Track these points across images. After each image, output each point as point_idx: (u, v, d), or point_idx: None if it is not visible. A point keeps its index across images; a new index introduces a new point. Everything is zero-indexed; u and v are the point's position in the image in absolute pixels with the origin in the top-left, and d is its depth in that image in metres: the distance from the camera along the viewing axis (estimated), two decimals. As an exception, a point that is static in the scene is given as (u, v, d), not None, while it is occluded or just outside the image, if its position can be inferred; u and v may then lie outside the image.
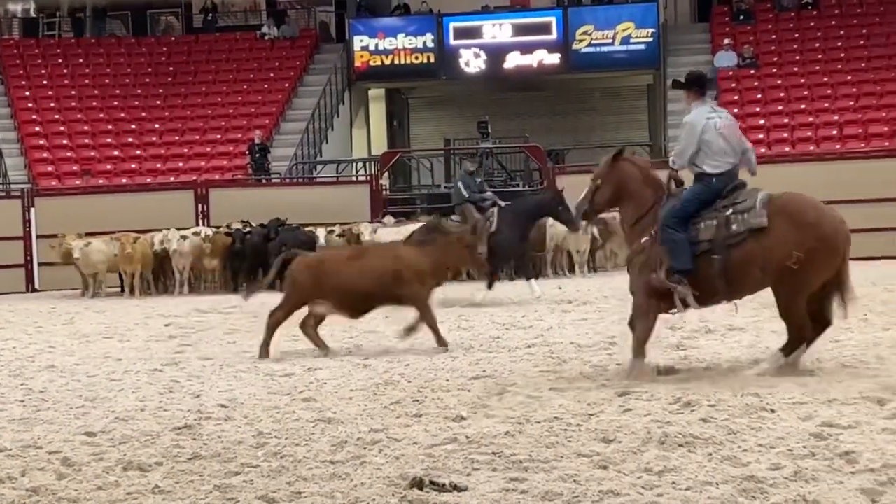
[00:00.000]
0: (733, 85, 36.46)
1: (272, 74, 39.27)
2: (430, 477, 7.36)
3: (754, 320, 15.51)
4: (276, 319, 14.15)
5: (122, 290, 26.32)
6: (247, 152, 34.54)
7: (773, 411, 9.03)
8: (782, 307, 11.03)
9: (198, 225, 28.25)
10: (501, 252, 20.96)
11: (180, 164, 35.56)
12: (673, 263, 11.14)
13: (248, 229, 26.53)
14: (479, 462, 7.80)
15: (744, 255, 10.95)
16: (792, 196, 11.13)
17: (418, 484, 7.22)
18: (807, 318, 10.90)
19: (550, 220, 26.55)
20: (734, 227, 11.00)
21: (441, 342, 13.90)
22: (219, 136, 36.70)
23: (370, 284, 14.07)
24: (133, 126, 37.27)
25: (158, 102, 38.32)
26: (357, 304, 14.28)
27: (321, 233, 25.96)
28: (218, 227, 27.05)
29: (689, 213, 11.18)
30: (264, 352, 13.90)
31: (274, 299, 14.63)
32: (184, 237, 26.08)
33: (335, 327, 15.12)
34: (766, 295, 18.10)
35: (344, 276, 14.15)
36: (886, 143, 31.34)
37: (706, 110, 11.50)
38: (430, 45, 38.86)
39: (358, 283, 14.09)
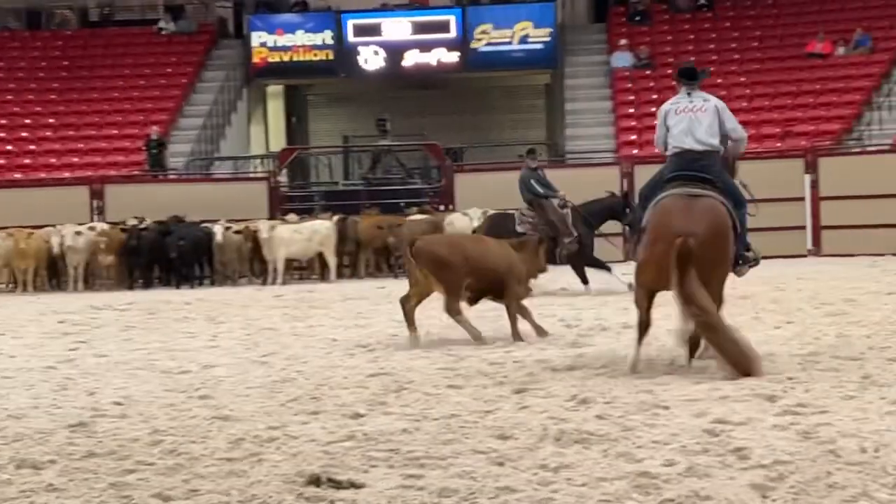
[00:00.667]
0: (629, 85, 36.82)
1: (169, 70, 38.97)
2: (328, 474, 7.35)
3: (649, 318, 15.68)
4: (456, 310, 13.86)
5: (15, 287, 25.96)
6: (143, 148, 34.24)
7: (666, 408, 9.14)
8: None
9: (93, 221, 27.94)
10: (581, 252, 21.04)
11: (76, 160, 35.17)
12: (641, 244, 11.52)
13: (143, 225, 26.32)
14: (377, 459, 7.81)
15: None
16: (662, 204, 11.33)
17: (316, 481, 7.22)
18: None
19: (449, 219, 26.71)
20: (646, 218, 11.42)
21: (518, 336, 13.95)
22: (115, 132, 36.35)
23: (500, 272, 14.04)
24: (27, 121, 36.81)
25: (54, 97, 37.88)
26: (484, 290, 14.19)
27: (219, 229, 25.82)
28: (115, 223, 26.79)
29: (652, 194, 11.50)
30: (477, 336, 13.69)
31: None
32: (78, 233, 25.79)
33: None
34: (661, 296, 18.38)
35: (483, 260, 14.03)
36: (779, 144, 31.84)
37: (677, 97, 11.73)
38: (329, 42, 38.80)
39: (492, 268, 14.04)
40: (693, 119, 11.49)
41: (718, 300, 11.12)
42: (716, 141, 11.52)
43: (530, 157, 21.81)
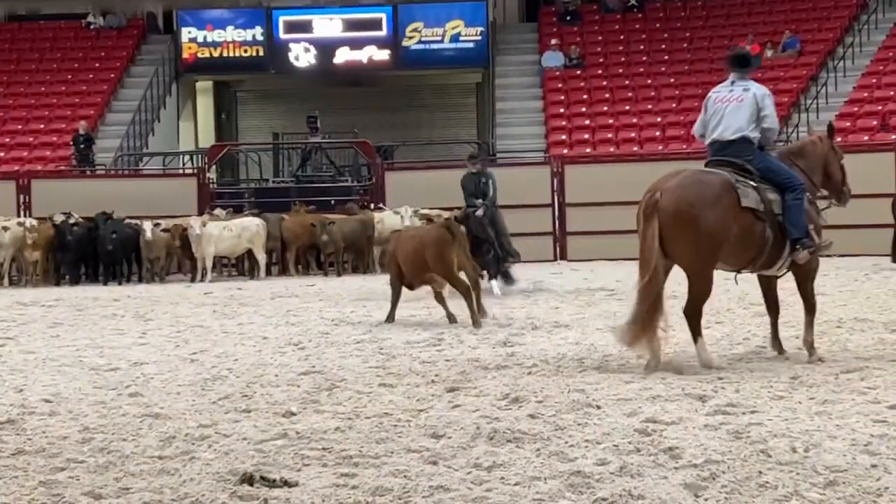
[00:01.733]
0: (560, 85, 36.96)
1: (98, 64, 38.67)
2: (261, 472, 7.32)
3: (579, 317, 15.78)
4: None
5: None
6: (71, 143, 33.95)
7: (598, 407, 9.18)
8: None
9: (19, 216, 27.66)
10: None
11: (1, 155, 34.83)
12: None
13: (73, 221, 26.08)
14: (310, 458, 7.79)
15: None
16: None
17: (248, 479, 7.19)
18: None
19: (378, 216, 26.70)
20: None
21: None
22: (42, 126, 36.03)
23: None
24: (-48, 114, 36.41)
25: (-21, 90, 37.48)
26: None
27: (147, 226, 25.63)
28: (42, 219, 26.52)
29: None
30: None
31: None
32: (5, 228, 25.52)
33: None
34: (589, 294, 18.43)
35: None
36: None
37: (720, 86, 11.87)
38: (260, 38, 38.69)
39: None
40: (727, 109, 11.59)
41: (698, 279, 11.21)
42: (749, 129, 11.59)
43: (470, 160, 21.72)
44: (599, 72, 37.42)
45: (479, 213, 20.28)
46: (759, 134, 11.66)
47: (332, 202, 29.36)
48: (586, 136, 34.89)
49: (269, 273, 26.70)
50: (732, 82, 11.82)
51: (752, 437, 7.98)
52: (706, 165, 11.71)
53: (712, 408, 9.06)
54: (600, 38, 39.02)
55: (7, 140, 35.50)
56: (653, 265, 10.96)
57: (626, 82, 36.55)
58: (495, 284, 19.99)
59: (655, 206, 11.00)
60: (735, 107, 11.60)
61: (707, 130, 11.78)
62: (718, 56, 36.57)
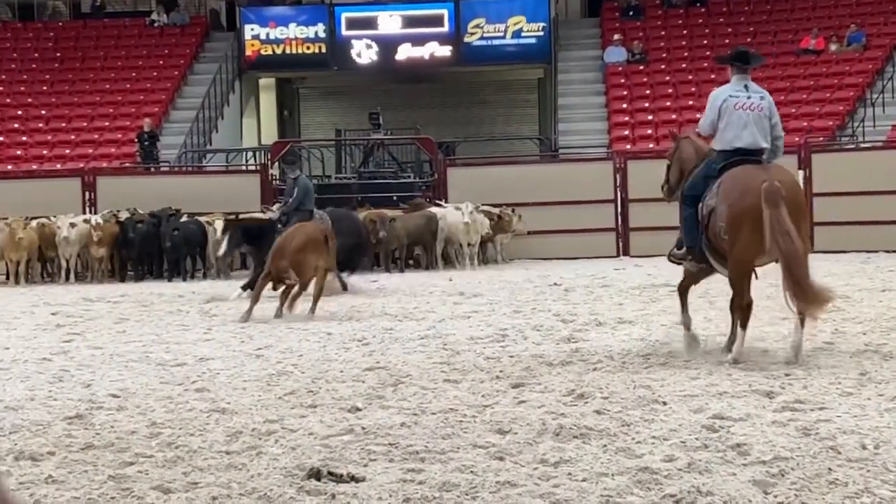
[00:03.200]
0: (622, 80, 36.84)
1: (161, 62, 38.92)
2: (328, 467, 7.34)
3: (643, 314, 15.72)
4: None
5: (7, 278, 25.91)
6: (135, 140, 34.20)
7: (665, 403, 9.14)
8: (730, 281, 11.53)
9: (85, 213, 27.90)
10: None
11: (67, 152, 35.12)
12: (683, 238, 11.74)
13: (137, 218, 26.26)
14: (376, 453, 7.80)
15: (711, 234, 11.44)
16: (729, 175, 11.39)
17: (315, 475, 7.20)
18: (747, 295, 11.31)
19: (441, 212, 26.71)
20: (704, 210, 11.49)
21: None
22: (107, 124, 36.30)
23: None
24: (19, 112, 36.75)
25: (45, 88, 37.82)
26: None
27: (219, 225, 25.65)
28: (116, 215, 26.70)
29: (698, 190, 11.62)
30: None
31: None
32: (72, 224, 25.74)
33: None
34: (653, 290, 18.37)
35: None
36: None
37: (733, 87, 11.75)
38: (322, 35, 38.77)
39: None
40: (753, 117, 11.52)
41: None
42: (769, 142, 11.61)
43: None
44: (662, 66, 37.25)
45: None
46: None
47: (395, 198, 29.39)
48: (649, 131, 34.76)
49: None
50: (745, 86, 11.74)
51: (820, 433, 7.91)
52: (731, 164, 11.60)
53: (780, 404, 9.00)
54: (663, 32, 38.84)
55: (73, 137, 35.81)
56: (797, 233, 11.00)
57: (690, 77, 36.36)
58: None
59: (779, 194, 10.99)
60: (758, 116, 11.61)
61: (724, 136, 11.62)
62: (784, 51, 36.41)
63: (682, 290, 12.29)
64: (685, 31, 38.67)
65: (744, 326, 11.31)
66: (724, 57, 12.53)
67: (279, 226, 19.74)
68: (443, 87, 41.18)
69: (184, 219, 26.45)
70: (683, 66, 37.09)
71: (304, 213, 20.28)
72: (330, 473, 7.22)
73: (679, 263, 12.24)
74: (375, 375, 11.09)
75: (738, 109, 11.55)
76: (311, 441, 8.22)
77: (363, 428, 8.57)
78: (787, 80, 35.22)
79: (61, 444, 8.37)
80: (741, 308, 11.34)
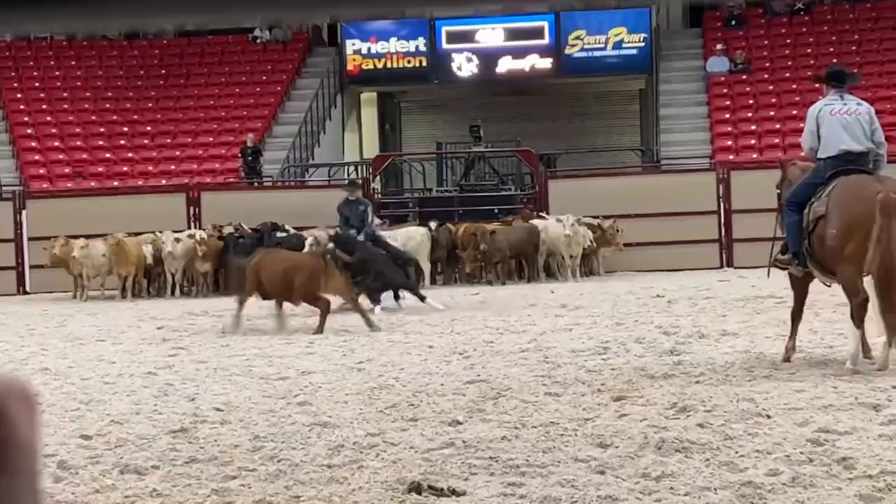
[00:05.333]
0: (725, 90, 36.54)
1: (264, 78, 39.26)
2: (428, 481, 7.35)
3: (747, 326, 15.56)
4: None
5: (123, 293, 26.20)
6: (239, 155, 34.52)
7: (769, 417, 9.04)
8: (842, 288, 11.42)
9: (190, 228, 28.21)
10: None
11: (172, 167, 35.54)
12: (789, 243, 11.76)
13: (239, 233, 26.49)
14: (477, 467, 7.79)
15: (817, 240, 11.40)
16: (843, 181, 11.33)
17: (416, 488, 7.21)
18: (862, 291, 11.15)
19: (543, 224, 26.67)
20: (811, 216, 11.43)
21: None
22: (211, 139, 36.69)
23: None
24: (125, 128, 37.25)
25: (150, 105, 38.30)
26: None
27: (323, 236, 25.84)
28: (220, 230, 26.95)
29: (803, 196, 11.61)
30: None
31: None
32: (178, 240, 26.04)
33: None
34: (757, 302, 18.15)
35: None
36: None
37: (828, 99, 11.77)
38: (423, 48, 38.87)
39: None
40: (850, 120, 11.46)
41: None
42: (872, 143, 11.52)
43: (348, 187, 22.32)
44: (766, 76, 36.89)
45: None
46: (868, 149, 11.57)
47: (496, 211, 29.37)
48: (752, 141, 34.44)
49: (433, 282, 26.81)
50: (841, 97, 11.66)
51: (929, 447, 7.79)
52: (838, 174, 11.49)
53: (887, 417, 8.86)
54: (766, 42, 38.46)
55: (177, 153, 36.23)
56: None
57: (794, 86, 35.96)
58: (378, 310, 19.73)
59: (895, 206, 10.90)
60: (855, 119, 11.55)
61: (826, 142, 11.57)
62: (890, 59, 35.91)
63: (795, 317, 12.20)
64: (788, 41, 38.26)
65: (860, 325, 11.17)
66: (820, 76, 12.45)
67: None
68: (543, 99, 41.09)
69: (286, 233, 26.62)
70: (787, 75, 36.70)
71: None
72: (430, 487, 7.23)
73: (784, 268, 12.19)
74: (476, 388, 11.08)
75: (834, 115, 11.51)
76: (412, 455, 8.24)
77: (464, 441, 8.57)
78: (893, 89, 34.72)
79: (166, 457, 8.46)
80: (858, 306, 11.19)
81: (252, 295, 17.57)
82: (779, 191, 12.84)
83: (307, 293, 17.20)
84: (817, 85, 12.79)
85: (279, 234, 26.49)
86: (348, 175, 34.84)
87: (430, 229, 26.56)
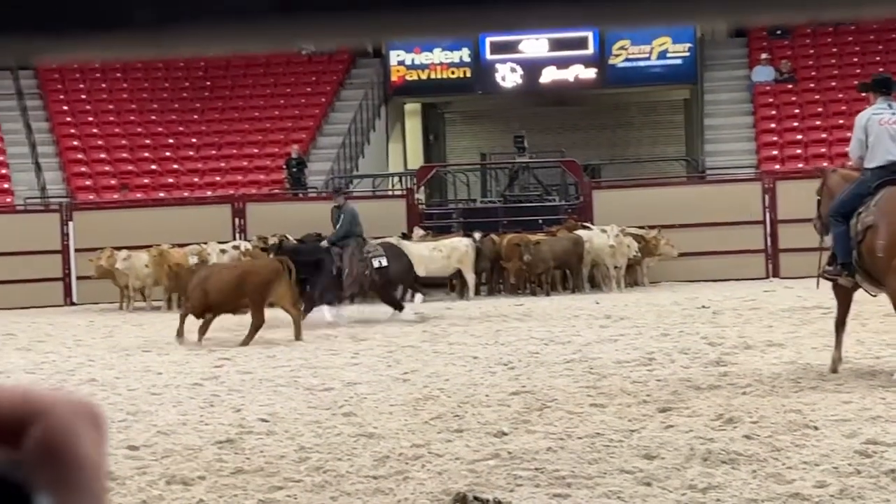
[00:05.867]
0: (771, 100, 36.39)
1: (309, 89, 39.39)
2: (474, 492, 7.34)
3: (794, 336, 15.48)
4: None
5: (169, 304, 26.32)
6: (284, 166, 34.64)
7: (816, 428, 8.98)
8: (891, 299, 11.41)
9: (235, 239, 28.32)
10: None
11: (217, 179, 35.69)
12: (837, 254, 11.69)
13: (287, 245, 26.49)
14: (522, 478, 7.78)
15: (866, 250, 11.35)
16: (891, 192, 11.27)
17: (462, 499, 7.21)
18: None
19: (587, 235, 26.62)
20: (858, 226, 11.40)
21: None
22: (256, 151, 36.83)
23: None
24: (170, 140, 37.45)
25: (196, 117, 38.49)
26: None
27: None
28: (265, 241, 27.01)
29: (849, 207, 11.56)
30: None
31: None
32: (223, 251, 26.13)
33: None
34: (804, 313, 18.02)
35: None
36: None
37: (876, 107, 11.69)
38: (467, 59, 38.90)
39: None
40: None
41: None
42: None
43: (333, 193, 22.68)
44: (812, 86, 36.72)
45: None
46: None
47: (540, 222, 29.34)
48: (798, 151, 34.29)
49: (478, 293, 26.79)
50: (889, 105, 11.58)
51: (978, 459, 7.72)
52: (886, 183, 11.44)
53: (936, 429, 8.80)
54: (812, 51, 38.29)
55: (222, 164, 36.38)
56: None
57: (840, 96, 35.78)
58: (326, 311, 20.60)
59: None
60: None
61: (874, 152, 11.50)
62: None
63: (839, 328, 12.15)
64: (835, 50, 38.08)
65: None
66: (866, 84, 12.39)
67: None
68: (588, 110, 41.04)
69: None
70: (833, 84, 36.52)
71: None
72: (476, 499, 7.22)
73: (833, 280, 12.11)
74: (521, 400, 11.07)
75: (883, 125, 11.42)
76: (458, 466, 8.23)
77: (509, 452, 8.56)
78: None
79: (212, 468, 8.48)
80: None
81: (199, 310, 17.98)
82: (819, 197, 12.77)
83: (257, 300, 17.64)
84: (863, 94, 12.71)
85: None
86: (392, 186, 34.94)
87: (474, 240, 26.56)
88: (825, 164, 32.54)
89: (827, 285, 12.58)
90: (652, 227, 27.81)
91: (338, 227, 21.32)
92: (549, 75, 38.43)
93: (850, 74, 36.45)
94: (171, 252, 26.08)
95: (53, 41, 0.88)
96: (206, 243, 26.62)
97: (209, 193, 34.05)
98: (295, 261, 19.07)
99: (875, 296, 12.14)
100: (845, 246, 11.56)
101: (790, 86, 36.64)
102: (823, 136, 34.39)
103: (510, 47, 38.60)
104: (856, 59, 37.33)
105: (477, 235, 26.96)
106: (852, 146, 11.86)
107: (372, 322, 19.91)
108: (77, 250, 29.44)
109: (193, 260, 26.32)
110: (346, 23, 0.89)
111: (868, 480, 7.31)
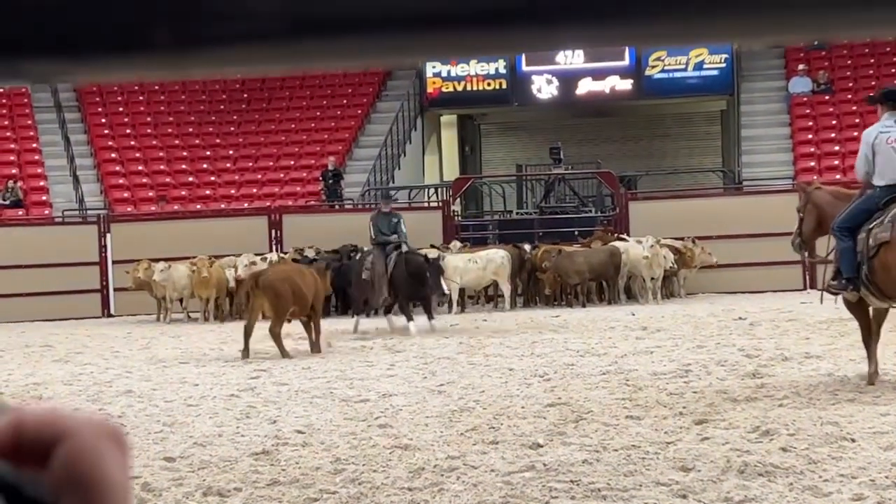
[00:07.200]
0: (808, 111, 36.27)
1: (345, 101, 39.49)
2: (509, 505, 7.34)
3: (831, 348, 15.41)
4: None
5: (206, 315, 26.41)
6: (320, 178, 34.73)
7: (853, 440, 8.94)
8: None
9: (271, 251, 28.40)
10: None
11: (254, 191, 35.82)
12: (841, 269, 11.73)
13: (315, 255, 26.56)
14: (558, 490, 7.77)
15: (880, 266, 11.36)
16: None
17: (497, 512, 7.21)
18: None
19: (623, 246, 26.57)
20: (870, 241, 11.33)
21: None
22: (292, 163, 36.94)
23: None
24: (207, 152, 37.61)
25: (232, 129, 38.65)
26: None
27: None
28: (299, 254, 27.07)
29: (856, 222, 11.59)
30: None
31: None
32: (254, 263, 26.18)
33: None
34: (841, 324, 17.95)
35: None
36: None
37: (883, 123, 11.68)
38: (502, 71, 38.93)
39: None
40: None
41: None
42: None
43: (383, 200, 22.63)
44: (849, 96, 36.58)
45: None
46: None
47: (576, 233, 29.31)
48: (836, 162, 34.14)
49: (514, 304, 26.77)
50: None
51: None
52: (894, 200, 11.43)
53: (974, 442, 8.74)
54: (849, 61, 38.16)
55: (259, 177, 36.51)
56: None
57: (878, 107, 35.60)
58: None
59: None
60: None
61: (883, 170, 11.48)
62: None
63: (866, 341, 12.12)
64: (872, 60, 37.94)
65: None
66: (874, 97, 12.37)
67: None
68: (624, 121, 41.00)
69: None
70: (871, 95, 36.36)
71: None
72: (511, 510, 7.22)
73: (838, 294, 12.11)
74: (557, 411, 11.05)
75: (889, 144, 11.39)
76: (493, 478, 8.23)
77: (545, 464, 8.55)
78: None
79: (248, 479, 8.51)
80: None
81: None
82: (801, 214, 12.79)
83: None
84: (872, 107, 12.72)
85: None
86: (428, 197, 34.97)
87: (523, 252, 26.58)
88: (836, 176, 32.48)
89: (830, 299, 12.62)
90: (687, 238, 27.73)
91: (402, 233, 21.75)
92: (585, 87, 38.43)
93: (887, 86, 36.24)
94: (205, 261, 26.18)
95: (75, 63, 0.89)
96: (240, 255, 26.69)
97: (246, 205, 34.18)
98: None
99: (888, 308, 12.15)
100: (851, 261, 11.55)
101: (827, 97, 36.51)
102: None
103: (546, 59, 38.58)
104: (893, 70, 37.17)
105: (527, 247, 26.97)
106: (858, 162, 11.83)
107: (407, 334, 19.89)
108: (114, 262, 29.57)
109: (230, 272, 26.44)
110: (362, 45, 0.90)
111: (906, 493, 7.28)
